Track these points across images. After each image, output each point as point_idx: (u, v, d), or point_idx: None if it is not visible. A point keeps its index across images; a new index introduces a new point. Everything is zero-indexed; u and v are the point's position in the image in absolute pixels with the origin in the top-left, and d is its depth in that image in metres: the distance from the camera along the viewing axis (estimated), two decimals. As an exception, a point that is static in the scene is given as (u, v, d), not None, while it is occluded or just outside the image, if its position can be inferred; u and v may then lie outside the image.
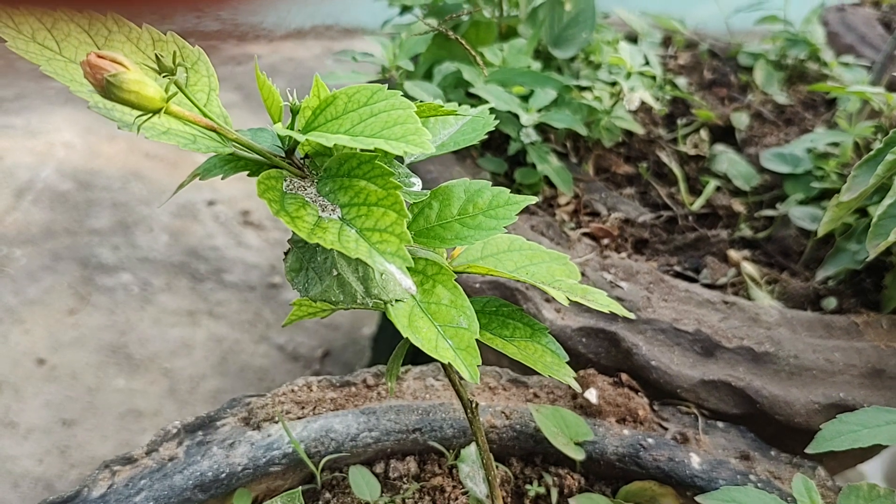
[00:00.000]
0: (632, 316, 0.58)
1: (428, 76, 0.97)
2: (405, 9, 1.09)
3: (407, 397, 0.70)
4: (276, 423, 0.66)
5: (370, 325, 1.60)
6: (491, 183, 0.54)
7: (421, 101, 0.59)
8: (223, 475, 0.61)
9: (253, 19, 2.60)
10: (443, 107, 0.52)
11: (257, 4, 2.58)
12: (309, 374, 1.48)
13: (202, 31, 2.53)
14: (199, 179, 0.53)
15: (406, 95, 0.89)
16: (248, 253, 1.69)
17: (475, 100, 0.90)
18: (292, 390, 0.69)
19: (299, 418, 0.66)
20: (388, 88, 0.94)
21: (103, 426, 1.32)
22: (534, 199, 0.54)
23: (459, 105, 0.87)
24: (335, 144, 0.46)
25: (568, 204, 0.92)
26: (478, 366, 0.47)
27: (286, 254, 0.52)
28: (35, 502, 1.21)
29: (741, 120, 1.12)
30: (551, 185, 0.94)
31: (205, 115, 0.47)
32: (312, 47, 2.54)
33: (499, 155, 0.95)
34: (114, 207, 1.75)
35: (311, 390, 0.69)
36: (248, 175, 0.53)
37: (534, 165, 0.91)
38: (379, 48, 0.96)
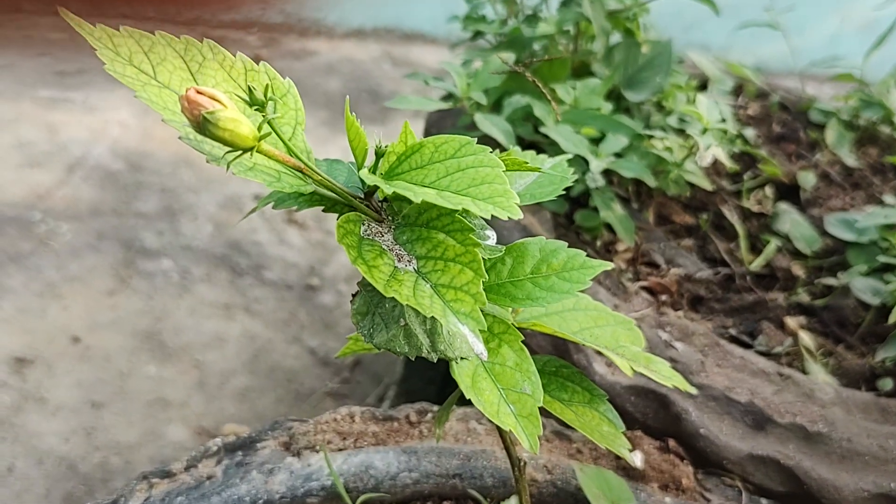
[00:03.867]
0: (693, 391, 0.57)
1: (497, 105, 0.96)
2: (477, 34, 1.08)
3: (449, 439, 0.69)
4: (317, 452, 0.65)
5: (403, 339, 1.59)
6: (567, 244, 0.53)
7: (504, 152, 0.58)
8: (261, 502, 0.61)
9: (316, 14, 2.61)
10: (527, 163, 0.51)
11: (322, 0, 2.59)
12: (338, 381, 1.48)
13: (265, 23, 2.55)
14: (273, 209, 0.53)
15: (476, 128, 0.89)
16: (290, 252, 1.69)
17: (543, 137, 0.89)
18: (335, 419, 0.68)
19: (340, 450, 0.66)
20: (459, 119, 0.93)
21: (130, 412, 1.33)
22: (609, 266, 0.52)
23: (530, 146, 0.86)
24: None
25: (626, 251, 0.91)
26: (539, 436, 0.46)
27: (354, 296, 0.51)
28: (58, 481, 1.22)
29: (808, 179, 1.09)
30: (611, 229, 0.92)
31: (291, 151, 0.46)
32: (372, 49, 2.54)
33: (560, 194, 0.93)
34: (161, 192, 1.76)
35: (354, 421, 0.68)
36: (323, 210, 0.52)
37: (595, 209, 0.89)
38: (448, 72, 0.95)
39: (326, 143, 2.02)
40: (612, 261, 0.89)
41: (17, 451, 1.23)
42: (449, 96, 0.94)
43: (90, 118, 1.94)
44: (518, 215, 0.42)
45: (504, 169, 0.44)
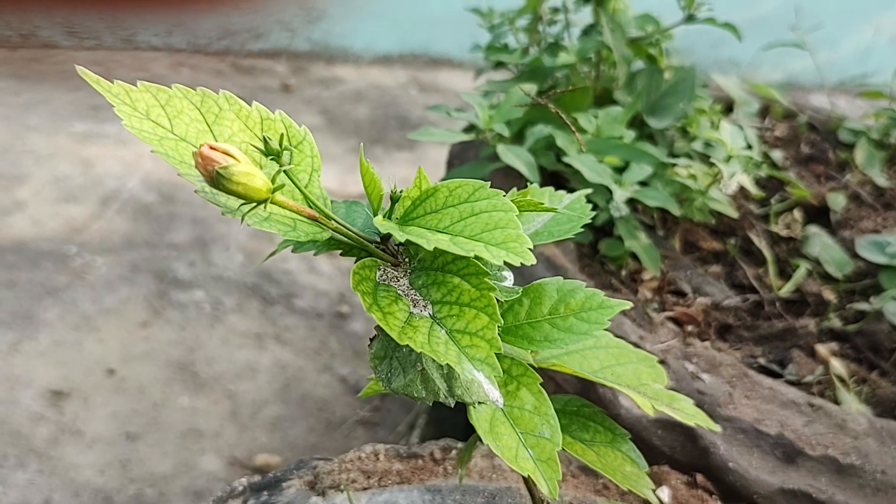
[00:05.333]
0: (717, 429, 0.56)
1: (520, 135, 0.96)
2: (499, 64, 1.08)
3: (473, 476, 0.69)
4: (342, 491, 0.65)
5: (433, 366, 1.59)
6: (585, 284, 0.52)
7: (522, 190, 0.58)
8: (285, 543, 0.61)
9: (343, 42, 2.64)
10: (543, 204, 0.51)
11: (348, 27, 2.62)
12: (368, 410, 1.48)
13: (293, 51, 2.59)
14: (292, 252, 0.54)
15: (498, 158, 0.89)
16: (319, 280, 1.71)
17: (566, 166, 0.89)
18: (359, 457, 0.68)
19: (365, 489, 0.66)
20: (482, 149, 0.93)
21: (164, 443, 1.34)
22: (628, 305, 0.52)
23: (553, 175, 0.86)
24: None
25: (652, 280, 0.90)
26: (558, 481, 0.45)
27: (372, 340, 0.51)
28: (93, 514, 1.23)
29: (837, 201, 1.08)
30: (636, 258, 0.91)
31: (307, 199, 0.47)
32: (399, 75, 2.56)
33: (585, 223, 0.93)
34: (193, 223, 1.79)
35: (378, 459, 0.68)
36: (341, 254, 0.53)
37: (620, 238, 0.89)
38: (471, 104, 0.95)
39: (354, 170, 2.03)
40: (637, 290, 0.89)
41: (55, 483, 1.25)
42: (472, 128, 0.94)
43: (123, 151, 1.98)
44: (531, 261, 0.42)
45: (517, 213, 0.44)
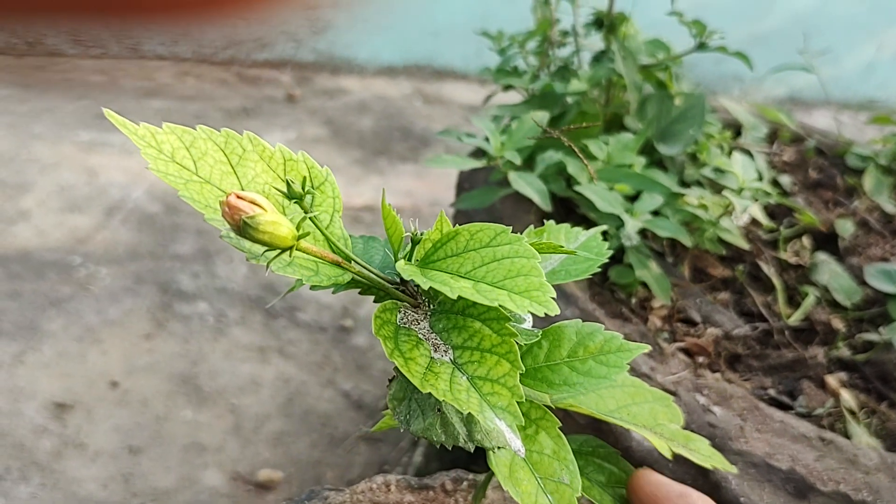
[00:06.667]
0: (734, 470, 0.56)
1: (530, 160, 0.96)
2: (509, 86, 1.08)
3: (485, 508, 0.69)
4: (353, 523, 0.65)
5: (437, 381, 1.59)
6: (604, 326, 0.52)
7: (538, 228, 0.58)
8: (297, 577, 0.61)
9: (347, 52, 2.65)
10: (562, 247, 0.51)
11: (353, 38, 2.63)
12: (371, 425, 1.48)
13: (298, 62, 2.59)
14: (310, 290, 0.54)
15: (509, 184, 0.89)
16: (323, 293, 1.71)
17: (576, 193, 0.89)
18: (371, 488, 0.68)
19: (376, 521, 0.66)
20: (492, 173, 0.93)
21: (167, 457, 1.34)
22: (646, 348, 0.52)
23: (563, 201, 0.86)
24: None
25: (661, 308, 0.90)
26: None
27: (390, 381, 0.51)
28: (96, 529, 1.23)
29: (846, 227, 1.08)
30: (646, 285, 0.91)
31: (329, 240, 0.47)
32: (403, 87, 2.56)
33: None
34: (198, 234, 1.78)
35: (390, 490, 0.68)
36: (359, 293, 0.53)
37: (630, 265, 0.89)
38: (483, 129, 0.95)
39: (359, 182, 2.03)
40: (647, 318, 0.89)
41: (57, 497, 1.25)
42: (482, 153, 0.94)
43: (128, 161, 1.98)
44: (555, 311, 0.42)
45: (539, 259, 0.44)
